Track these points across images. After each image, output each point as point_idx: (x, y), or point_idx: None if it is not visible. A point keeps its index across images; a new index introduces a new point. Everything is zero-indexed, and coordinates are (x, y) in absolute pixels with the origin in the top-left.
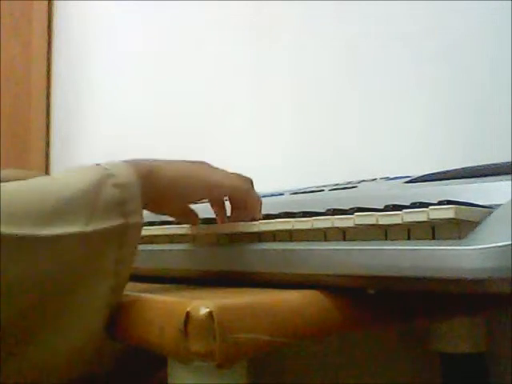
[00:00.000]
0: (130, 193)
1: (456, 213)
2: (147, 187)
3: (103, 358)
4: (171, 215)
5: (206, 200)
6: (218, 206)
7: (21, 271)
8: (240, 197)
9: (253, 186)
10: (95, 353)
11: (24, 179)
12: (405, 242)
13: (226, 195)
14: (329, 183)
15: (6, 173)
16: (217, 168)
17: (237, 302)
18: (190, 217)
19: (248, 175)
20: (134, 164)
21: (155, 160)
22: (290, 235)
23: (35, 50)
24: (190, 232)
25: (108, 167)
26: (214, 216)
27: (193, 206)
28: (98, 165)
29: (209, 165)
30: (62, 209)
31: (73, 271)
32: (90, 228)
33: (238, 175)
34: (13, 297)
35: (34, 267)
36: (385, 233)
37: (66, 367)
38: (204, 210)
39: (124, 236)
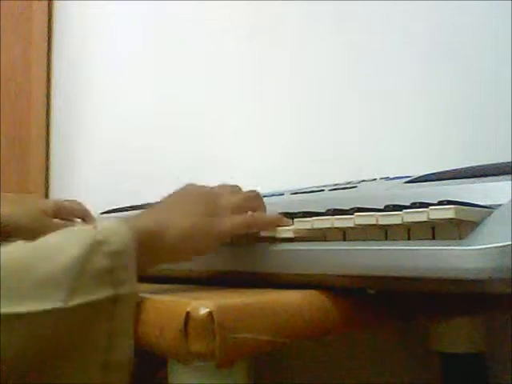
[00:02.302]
0: (122, 261)
1: (456, 213)
2: (149, 251)
3: None
4: None
5: None
6: None
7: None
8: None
9: (260, 199)
10: None
11: (19, 206)
12: (405, 242)
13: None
14: (329, 183)
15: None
16: (215, 197)
17: (237, 302)
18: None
19: (248, 175)
20: (133, 226)
21: (154, 213)
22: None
23: (35, 49)
24: None
25: (103, 232)
26: None
27: None
28: (95, 227)
29: (205, 194)
30: (43, 284)
31: (56, 347)
32: (73, 302)
33: (243, 198)
34: None
35: (10, 345)
36: (385, 233)
37: None
38: None
39: (114, 307)
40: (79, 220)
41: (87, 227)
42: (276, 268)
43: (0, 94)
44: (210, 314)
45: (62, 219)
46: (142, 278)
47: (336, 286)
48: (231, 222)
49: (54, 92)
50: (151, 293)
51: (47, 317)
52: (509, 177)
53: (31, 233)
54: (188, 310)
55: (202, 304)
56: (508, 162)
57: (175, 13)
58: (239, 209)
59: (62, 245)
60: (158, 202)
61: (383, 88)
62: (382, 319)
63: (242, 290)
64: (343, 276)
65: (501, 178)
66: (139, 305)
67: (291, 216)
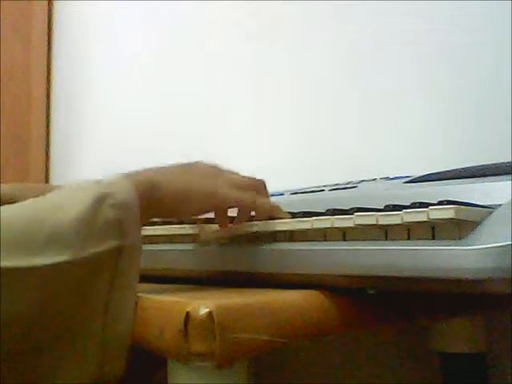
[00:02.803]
0: (128, 213)
1: (456, 213)
2: (148, 204)
3: None
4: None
5: None
6: (220, 214)
7: (9, 304)
8: (246, 209)
9: (265, 188)
10: None
11: (19, 195)
12: (405, 242)
13: (230, 207)
14: (329, 183)
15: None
16: (221, 172)
17: (237, 302)
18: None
19: (248, 175)
20: (135, 180)
21: (155, 171)
22: (290, 235)
23: (35, 49)
24: (190, 232)
25: (107, 186)
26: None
27: None
28: (98, 182)
29: (211, 168)
30: (55, 237)
31: (62, 301)
32: (83, 254)
33: (248, 180)
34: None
35: (22, 299)
36: (385, 233)
37: None
38: None
39: (118, 258)
40: None
41: (91, 182)
42: (276, 268)
43: (0, 94)
44: (210, 314)
45: None
46: (143, 278)
47: (336, 286)
48: (229, 192)
49: (54, 92)
50: (151, 293)
51: (58, 269)
52: (509, 177)
53: None
54: (188, 310)
55: (202, 304)
56: (508, 162)
57: (175, 13)
58: (242, 188)
59: (70, 199)
60: (161, 165)
61: (383, 88)
62: (381, 319)
63: (242, 290)
64: (343, 276)
65: (501, 178)
66: (139, 305)
67: (291, 216)
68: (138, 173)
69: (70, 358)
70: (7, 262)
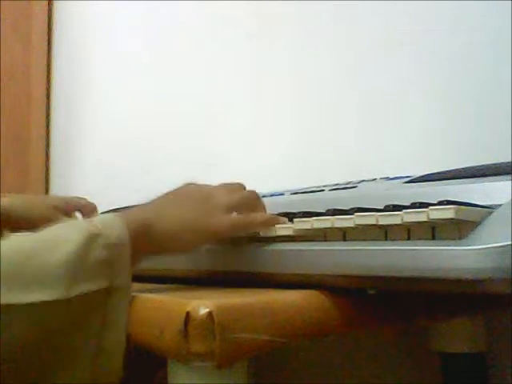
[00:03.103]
0: (118, 254)
1: (456, 213)
2: (141, 244)
3: None
4: None
5: None
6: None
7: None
8: (244, 231)
9: (258, 198)
10: None
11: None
12: (405, 242)
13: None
14: (329, 183)
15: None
16: (211, 195)
17: (237, 302)
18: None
19: (248, 175)
20: (127, 220)
21: (146, 208)
22: (291, 235)
23: (35, 50)
24: None
25: (99, 225)
26: None
27: None
28: (90, 221)
29: (201, 193)
30: (43, 275)
31: (53, 337)
32: (72, 293)
33: (239, 198)
34: None
35: (11, 335)
36: (385, 233)
37: None
38: None
39: (108, 299)
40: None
41: (84, 220)
42: (276, 268)
43: (0, 94)
44: (210, 313)
45: (71, 215)
46: (142, 278)
47: (336, 286)
48: (224, 221)
49: (54, 92)
50: (151, 293)
51: (47, 307)
52: (509, 177)
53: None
54: (188, 310)
55: (202, 304)
56: (508, 162)
57: (175, 13)
58: (235, 208)
59: (61, 237)
60: (152, 199)
61: (383, 88)
62: (382, 319)
63: (242, 290)
64: (343, 276)
65: (501, 177)
66: (139, 305)
67: (291, 216)
68: (129, 211)
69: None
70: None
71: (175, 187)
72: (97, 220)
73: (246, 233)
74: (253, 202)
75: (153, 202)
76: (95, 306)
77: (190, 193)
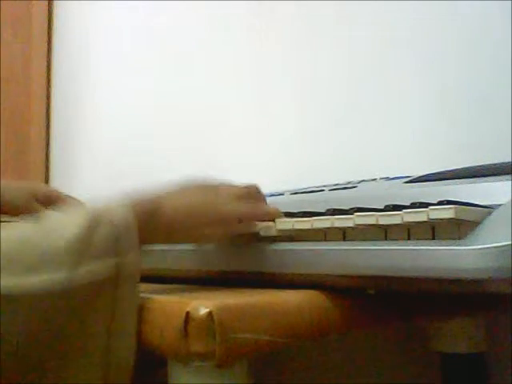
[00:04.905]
0: (125, 231)
1: (456, 213)
2: (148, 228)
3: None
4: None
5: None
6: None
7: (7, 325)
8: (249, 220)
9: (260, 192)
10: None
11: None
12: (405, 242)
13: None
14: (329, 183)
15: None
16: (217, 187)
17: (237, 302)
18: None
19: (248, 175)
20: (133, 203)
21: (154, 194)
22: (290, 235)
23: (35, 50)
24: None
25: (104, 209)
26: None
27: None
28: (94, 206)
29: (207, 185)
30: (48, 257)
31: (62, 322)
32: (79, 271)
33: (244, 190)
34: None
35: (16, 321)
36: (385, 233)
37: None
38: None
39: (119, 276)
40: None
41: (88, 207)
42: (276, 268)
43: (0, 94)
44: (210, 314)
45: (52, 207)
46: (143, 278)
47: (336, 286)
48: (234, 208)
49: (54, 92)
50: (151, 293)
51: (54, 288)
52: (509, 177)
53: (21, 214)
54: (188, 309)
55: (202, 304)
56: (508, 162)
57: (175, 13)
58: (242, 198)
59: (66, 220)
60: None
61: (383, 88)
62: (381, 319)
63: (242, 290)
64: (343, 276)
65: (501, 178)
66: (139, 305)
67: (291, 216)
68: (136, 196)
69: (73, 377)
70: (3, 283)
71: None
72: (102, 205)
73: (250, 228)
74: (255, 194)
75: (160, 189)
76: (105, 284)
77: (197, 183)
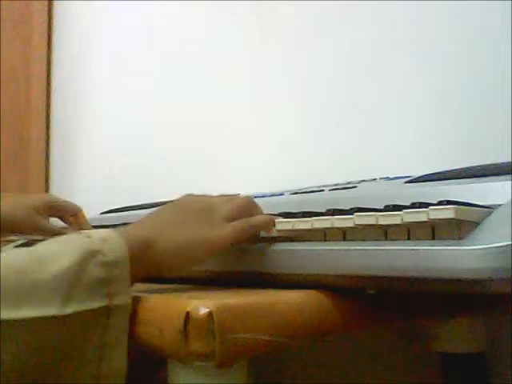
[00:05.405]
0: (117, 272)
1: (456, 213)
2: (142, 262)
3: None
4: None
5: None
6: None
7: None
8: (247, 236)
9: (254, 204)
10: None
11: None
12: (405, 242)
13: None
14: (329, 183)
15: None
16: (211, 206)
17: (237, 302)
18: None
19: (248, 175)
20: (127, 237)
21: (148, 225)
22: (290, 235)
23: (35, 50)
24: None
25: (98, 242)
26: None
27: None
28: (89, 236)
29: (201, 204)
30: (36, 291)
31: (50, 355)
32: (67, 310)
33: (238, 205)
34: None
35: (5, 352)
36: (385, 233)
37: None
38: None
39: (108, 318)
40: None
41: (82, 236)
42: (276, 268)
43: (0, 94)
44: (210, 313)
45: (53, 216)
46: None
47: (336, 286)
48: (227, 231)
49: (54, 92)
50: (151, 293)
51: (42, 323)
52: (509, 177)
53: (25, 229)
54: (188, 309)
55: (202, 304)
56: (508, 162)
57: (176, 13)
58: (235, 216)
59: (58, 252)
60: (151, 213)
61: (383, 88)
62: (382, 319)
63: (242, 290)
64: (343, 276)
65: (501, 177)
66: (139, 305)
67: (291, 216)
68: (129, 228)
69: None
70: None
71: (173, 200)
72: (94, 236)
73: (248, 237)
74: (251, 207)
75: (152, 216)
76: (95, 325)
77: (189, 205)
